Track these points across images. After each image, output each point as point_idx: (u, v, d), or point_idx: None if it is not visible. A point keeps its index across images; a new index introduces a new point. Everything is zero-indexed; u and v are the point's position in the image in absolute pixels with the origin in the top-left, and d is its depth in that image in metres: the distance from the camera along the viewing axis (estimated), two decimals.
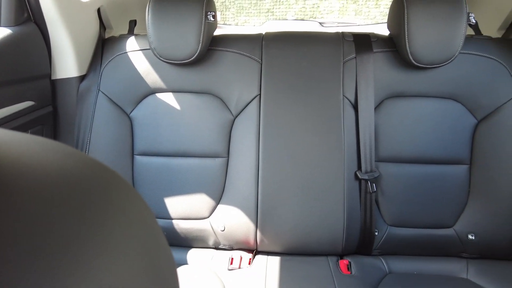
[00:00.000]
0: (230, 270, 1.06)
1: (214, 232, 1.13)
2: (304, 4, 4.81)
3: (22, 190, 0.17)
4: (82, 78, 1.16)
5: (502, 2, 1.20)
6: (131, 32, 1.23)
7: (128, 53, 1.13)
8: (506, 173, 1.06)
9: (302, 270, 1.04)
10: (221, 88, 1.12)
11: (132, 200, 0.23)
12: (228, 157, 1.14)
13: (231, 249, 1.15)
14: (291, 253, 1.11)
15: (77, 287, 0.16)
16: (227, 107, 1.13)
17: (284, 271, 1.04)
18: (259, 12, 4.82)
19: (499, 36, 1.22)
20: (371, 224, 1.08)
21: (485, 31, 1.22)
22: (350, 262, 1.07)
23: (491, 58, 1.08)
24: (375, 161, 1.10)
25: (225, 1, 4.79)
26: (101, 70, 1.14)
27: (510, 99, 1.06)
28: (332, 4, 4.82)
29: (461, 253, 1.11)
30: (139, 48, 1.13)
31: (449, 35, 1.01)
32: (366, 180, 1.07)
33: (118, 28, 1.34)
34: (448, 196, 1.10)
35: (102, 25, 1.24)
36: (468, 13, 1.02)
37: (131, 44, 1.15)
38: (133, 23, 1.25)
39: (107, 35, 1.28)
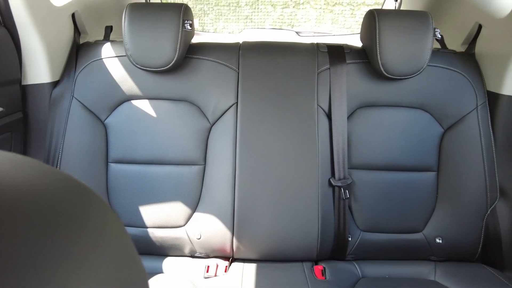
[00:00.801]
0: (206, 278, 1.06)
1: (190, 240, 1.13)
2: (282, 12, 4.89)
3: None
4: (55, 84, 1.14)
5: (464, 19, 1.28)
6: (107, 38, 1.22)
7: (103, 59, 1.12)
8: (470, 180, 1.12)
9: (277, 276, 1.06)
10: (198, 95, 1.13)
11: (106, 217, 0.24)
12: (204, 164, 1.14)
13: (207, 257, 1.15)
14: (267, 260, 1.12)
15: None
16: (204, 114, 1.13)
17: (260, 277, 1.04)
18: (238, 18, 4.86)
19: (463, 50, 1.29)
20: (344, 230, 1.11)
21: (450, 46, 1.29)
22: (324, 268, 1.10)
23: (456, 71, 1.14)
24: (348, 168, 1.13)
25: (203, 7, 4.80)
26: (75, 76, 1.12)
27: (473, 110, 1.13)
28: (310, 12, 4.93)
29: (430, 256, 1.16)
30: (115, 55, 1.12)
31: (417, 48, 1.06)
32: (339, 187, 1.10)
33: (93, 33, 1.33)
34: (417, 202, 1.15)
35: (77, 30, 1.22)
36: (434, 29, 1.08)
37: (107, 50, 1.13)
38: (109, 29, 1.24)
39: (82, 41, 1.26)
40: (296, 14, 4.89)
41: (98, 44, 1.16)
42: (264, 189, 1.09)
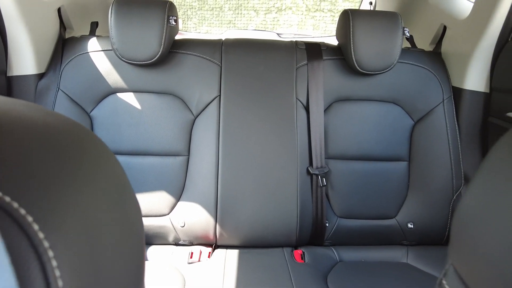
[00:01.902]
0: (190, 263, 1.09)
1: (174, 228, 1.16)
2: (265, 17, 4.98)
3: (11, 138, 0.22)
4: (40, 76, 1.16)
5: (431, 21, 1.38)
6: (92, 33, 1.25)
7: (89, 53, 1.15)
8: (437, 168, 1.20)
9: (259, 261, 1.10)
10: (182, 89, 1.17)
11: (102, 149, 0.29)
12: (188, 155, 1.18)
13: (191, 244, 1.18)
14: (249, 246, 1.16)
15: (68, 210, 0.21)
16: (188, 107, 1.17)
17: (242, 262, 1.09)
18: (221, 23, 4.92)
19: (431, 49, 1.38)
20: (322, 216, 1.17)
21: (419, 45, 1.38)
22: (303, 252, 1.15)
23: (424, 68, 1.23)
24: (325, 158, 1.20)
25: (187, 11, 4.84)
26: (61, 69, 1.15)
27: (439, 104, 1.21)
28: (292, 18, 5.03)
29: (402, 240, 1.23)
30: (100, 49, 1.16)
31: (388, 46, 1.14)
32: (316, 175, 1.16)
33: (78, 28, 1.35)
34: (390, 190, 1.22)
35: (63, 25, 1.24)
36: (403, 28, 1.16)
37: (93, 44, 1.17)
38: (94, 25, 1.27)
39: (67, 35, 1.28)
40: (278, 20, 4.99)
41: (84, 38, 1.19)
42: (246, 178, 1.14)
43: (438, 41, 1.34)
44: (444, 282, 0.33)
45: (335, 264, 1.14)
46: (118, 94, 1.16)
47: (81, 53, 1.15)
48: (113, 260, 0.25)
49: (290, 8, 4.99)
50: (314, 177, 1.17)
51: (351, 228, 1.20)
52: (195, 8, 4.94)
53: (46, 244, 0.19)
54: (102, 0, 1.50)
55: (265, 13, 4.93)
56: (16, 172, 0.20)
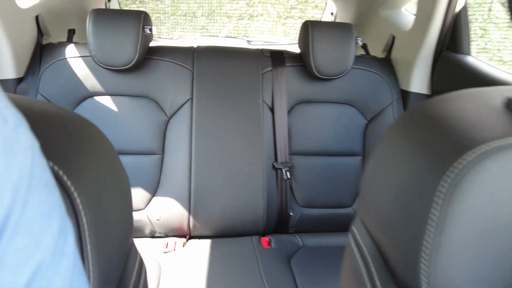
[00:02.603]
0: (165, 252, 1.18)
1: (150, 221, 1.25)
2: (238, 23, 5.10)
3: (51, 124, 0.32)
4: (19, 80, 1.22)
5: (383, 32, 1.54)
6: (70, 40, 1.32)
7: (67, 59, 1.23)
8: None
9: (229, 248, 1.21)
10: (156, 92, 1.26)
11: (100, 135, 0.39)
12: (163, 154, 1.27)
13: (166, 236, 1.27)
14: (220, 236, 1.27)
15: (83, 169, 0.32)
16: (162, 109, 1.27)
17: (214, 250, 1.19)
18: (194, 28, 5.00)
19: (383, 56, 1.55)
20: (286, 206, 1.29)
21: (374, 53, 1.54)
22: (270, 239, 1.27)
23: (376, 73, 1.38)
24: (289, 154, 1.33)
25: (160, 16, 4.90)
26: (40, 73, 1.21)
27: (389, 105, 1.37)
28: (263, 25, 5.18)
29: None
30: (79, 55, 1.23)
31: (343, 53, 1.28)
32: (281, 169, 1.29)
33: (55, 35, 1.42)
34: (347, 181, 1.36)
35: (40, 32, 1.31)
36: (356, 37, 1.31)
37: (71, 51, 1.24)
38: (72, 32, 1.34)
39: (45, 41, 1.35)
40: (250, 26, 5.13)
41: (62, 45, 1.26)
42: (217, 174, 1.25)
43: (389, 49, 1.50)
44: (354, 228, 0.45)
45: (298, 249, 1.26)
46: (96, 98, 1.24)
47: (60, 58, 1.23)
48: (113, 209, 0.36)
49: (262, 15, 5.14)
50: (279, 171, 1.29)
51: (313, 217, 1.34)
52: (168, 13, 5.00)
53: (72, 188, 0.30)
54: (78, 9, 1.57)
55: (238, 19, 5.06)
56: (57, 147, 0.30)
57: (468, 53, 1.22)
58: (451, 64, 1.24)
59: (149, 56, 1.27)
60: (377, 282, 0.38)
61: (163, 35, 4.63)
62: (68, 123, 0.35)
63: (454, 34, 1.23)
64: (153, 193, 1.26)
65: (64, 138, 0.33)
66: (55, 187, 0.26)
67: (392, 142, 0.42)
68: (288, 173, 1.29)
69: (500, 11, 3.61)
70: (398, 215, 0.36)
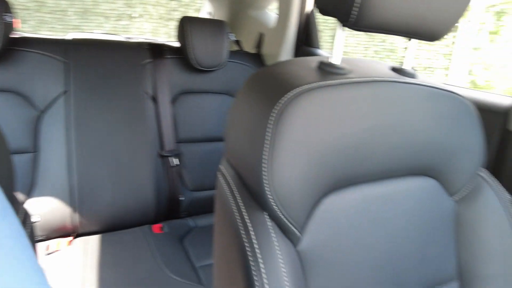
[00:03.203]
0: (48, 254, 1.11)
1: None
2: (116, 23, 4.86)
3: None
4: None
5: (253, 30, 1.74)
6: None
7: None
8: None
9: (120, 241, 1.21)
10: (23, 86, 1.17)
11: None
12: (36, 152, 1.19)
13: (48, 238, 1.19)
14: (111, 230, 1.25)
15: None
16: (31, 104, 1.19)
17: (103, 245, 1.17)
18: (65, 28, 4.57)
19: (255, 52, 1.74)
20: (176, 192, 1.35)
21: (248, 48, 1.72)
22: (163, 225, 1.31)
23: (249, 66, 1.55)
24: (177, 142, 1.39)
25: (21, 13, 4.33)
26: None
27: None
28: (145, 26, 5.06)
29: None
30: None
31: (218, 47, 1.41)
32: (168, 157, 1.34)
33: None
34: None
35: None
36: (228, 33, 1.45)
37: None
38: None
39: None
40: (130, 27, 4.94)
41: None
42: (102, 167, 1.23)
43: (259, 45, 1.70)
44: (221, 167, 0.56)
45: (191, 230, 1.33)
46: None
47: None
48: None
49: (142, 16, 5.01)
50: (166, 159, 1.34)
51: (203, 199, 1.43)
52: (31, 9, 4.46)
53: None
54: None
55: (116, 20, 4.82)
56: None
57: (318, 47, 1.48)
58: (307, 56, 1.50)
59: (14, 47, 1.17)
60: (240, 202, 0.48)
61: (27, 34, 4.11)
62: None
63: (307, 32, 1.48)
64: (28, 194, 1.16)
65: None
66: None
67: (243, 95, 0.54)
68: (176, 160, 1.35)
69: None
70: (248, 145, 0.48)
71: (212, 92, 1.48)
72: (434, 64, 4.67)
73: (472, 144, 0.60)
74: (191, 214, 1.42)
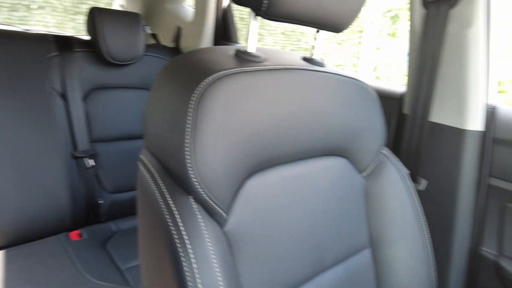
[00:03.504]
0: None
1: None
2: (10, 14, 4.30)
3: None
4: None
5: (170, 24, 1.69)
6: None
7: None
8: None
9: (33, 254, 1.08)
10: None
11: None
12: None
13: None
14: (19, 243, 1.11)
15: None
16: None
17: (12, 261, 1.04)
18: None
19: (173, 46, 1.70)
20: (94, 195, 1.26)
21: (166, 42, 1.67)
22: (82, 232, 1.21)
23: (166, 59, 1.51)
24: (92, 141, 1.29)
25: None
26: None
27: None
28: (47, 19, 4.57)
29: None
30: None
31: (133, 40, 1.34)
32: (83, 158, 1.24)
33: None
34: None
35: None
36: (144, 26, 1.39)
37: None
38: None
39: None
40: (30, 19, 4.42)
41: None
42: (5, 174, 1.08)
43: (177, 39, 1.66)
44: (142, 156, 0.54)
45: (113, 235, 1.25)
46: None
47: None
48: None
49: (44, 8, 4.52)
50: (80, 160, 1.24)
51: (125, 200, 1.35)
52: None
53: None
54: None
55: (10, 10, 4.27)
56: None
57: (237, 42, 1.51)
58: None
59: None
60: (163, 188, 0.47)
61: None
62: None
63: (226, 26, 1.50)
64: None
65: None
66: None
67: (161, 81, 0.53)
68: (91, 161, 1.25)
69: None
70: (169, 130, 0.47)
71: (128, 87, 1.40)
72: (344, 63, 5.10)
73: (375, 126, 0.68)
74: (112, 217, 1.33)
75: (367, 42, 4.82)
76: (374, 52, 4.86)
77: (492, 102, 0.88)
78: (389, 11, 4.71)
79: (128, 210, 1.36)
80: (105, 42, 1.27)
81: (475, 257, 0.90)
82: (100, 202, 1.28)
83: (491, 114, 0.86)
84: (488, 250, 0.87)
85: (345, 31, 0.61)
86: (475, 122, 0.86)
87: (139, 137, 1.41)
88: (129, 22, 1.34)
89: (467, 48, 0.83)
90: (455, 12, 0.83)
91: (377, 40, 4.77)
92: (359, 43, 4.95)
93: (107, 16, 1.30)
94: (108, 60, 1.30)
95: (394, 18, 4.71)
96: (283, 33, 4.79)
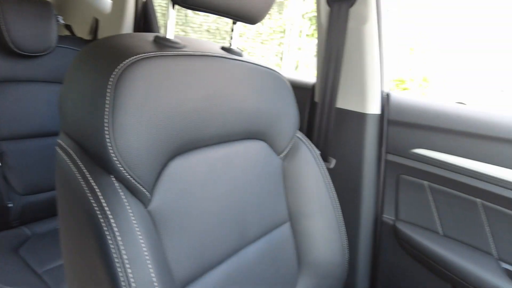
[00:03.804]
0: None
1: None
2: None
3: None
4: None
5: (86, 15, 1.60)
6: None
7: None
8: None
9: None
10: None
11: None
12: None
13: None
14: None
15: None
16: None
17: None
18: None
19: (90, 38, 1.61)
20: (2, 198, 1.14)
21: (81, 34, 1.57)
22: None
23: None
24: None
25: None
26: None
27: None
28: None
29: None
30: None
31: (43, 29, 1.24)
32: None
33: None
34: None
35: None
36: (56, 16, 1.30)
37: None
38: None
39: None
40: None
41: None
42: None
43: (95, 31, 1.58)
44: (59, 141, 0.52)
45: (27, 240, 1.16)
46: None
47: None
48: None
49: None
50: None
51: (40, 202, 1.25)
52: None
53: None
54: None
55: None
56: None
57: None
58: None
59: None
60: (83, 169, 0.47)
61: None
62: None
63: (146, 18, 1.47)
64: None
65: None
66: None
67: (78, 64, 0.52)
68: None
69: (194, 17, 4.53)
70: (87, 111, 0.47)
71: (40, 81, 1.30)
72: (268, 61, 5.29)
73: (289, 112, 0.75)
74: (25, 221, 1.22)
75: (289, 42, 5.07)
76: (296, 52, 5.14)
77: (386, 89, 1.02)
78: (306, 13, 5.02)
79: (43, 213, 1.26)
80: (8, 31, 1.16)
81: (379, 224, 1.03)
82: (9, 205, 1.17)
83: (386, 99, 1.01)
84: (388, 216, 1.02)
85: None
86: (373, 107, 1.00)
87: (52, 134, 1.31)
88: (37, 10, 1.24)
89: (364, 42, 0.96)
90: (354, 10, 0.95)
91: (298, 40, 5.04)
92: (281, 43, 5.18)
93: (10, 3, 1.18)
94: (14, 51, 1.18)
95: (312, 19, 5.04)
96: (207, 31, 4.79)
